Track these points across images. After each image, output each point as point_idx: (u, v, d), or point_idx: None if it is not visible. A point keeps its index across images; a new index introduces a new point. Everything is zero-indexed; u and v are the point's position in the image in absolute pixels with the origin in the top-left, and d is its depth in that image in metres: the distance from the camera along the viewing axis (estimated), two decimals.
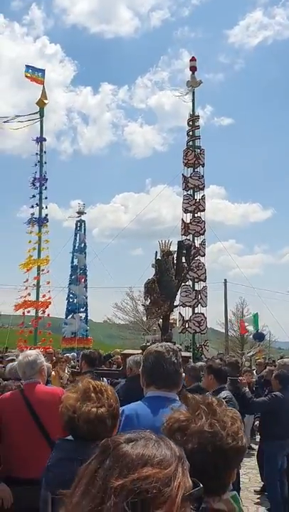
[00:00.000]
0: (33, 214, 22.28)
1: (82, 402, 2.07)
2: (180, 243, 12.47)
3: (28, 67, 23.47)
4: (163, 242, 12.06)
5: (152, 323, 19.64)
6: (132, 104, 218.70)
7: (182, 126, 27.94)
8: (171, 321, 14.73)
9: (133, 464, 0.82)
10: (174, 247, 12.12)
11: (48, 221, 22.15)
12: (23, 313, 21.12)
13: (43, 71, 23.69)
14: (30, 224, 22.06)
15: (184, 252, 12.18)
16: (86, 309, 31.93)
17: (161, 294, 11.69)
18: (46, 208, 22.56)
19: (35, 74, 23.44)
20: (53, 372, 10.93)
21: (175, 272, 11.91)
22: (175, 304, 12.65)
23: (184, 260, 12.14)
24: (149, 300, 12.03)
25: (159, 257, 11.94)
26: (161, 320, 12.27)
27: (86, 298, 31.92)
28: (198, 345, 21.68)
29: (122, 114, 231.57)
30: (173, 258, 11.97)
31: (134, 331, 36.15)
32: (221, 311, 35.12)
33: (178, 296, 15.45)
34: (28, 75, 23.26)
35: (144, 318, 25.34)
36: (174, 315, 21.07)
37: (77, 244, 32.30)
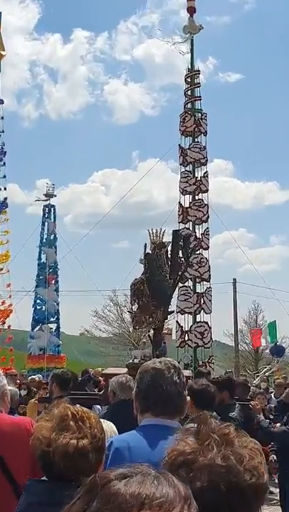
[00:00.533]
0: None
1: (59, 433, 2.08)
2: (175, 233, 12.73)
3: None
4: (154, 231, 12.16)
5: (142, 335, 19.58)
6: (113, 55, 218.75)
7: (178, 84, 28.01)
8: (165, 332, 14.75)
9: (127, 506, 0.82)
10: (168, 238, 12.29)
11: (7, 206, 22.16)
12: None
13: None
14: None
15: (181, 243, 12.39)
16: (58, 319, 31.79)
17: (152, 297, 11.82)
18: (5, 189, 22.58)
19: None
20: (32, 400, 10.92)
21: (170, 270, 11.97)
22: (170, 310, 12.86)
23: (180, 254, 12.30)
24: (137, 306, 12.16)
25: (149, 250, 12.01)
26: (152, 331, 12.30)
27: (57, 304, 31.80)
28: (201, 363, 21.66)
29: (101, 69, 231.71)
30: (167, 252, 12.05)
31: (119, 345, 36.33)
32: (229, 319, 35.30)
33: (174, 301, 15.80)
34: None
35: (132, 329, 25.40)
36: (169, 324, 21.30)
37: (45, 236, 32.04)
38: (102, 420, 2.56)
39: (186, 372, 13.13)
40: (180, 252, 12.28)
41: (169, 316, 13.57)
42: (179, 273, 12.53)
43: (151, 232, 12.20)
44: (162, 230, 12.33)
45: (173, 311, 15.43)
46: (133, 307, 12.49)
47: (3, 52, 23.44)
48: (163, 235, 12.27)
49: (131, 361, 11.76)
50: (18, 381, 15.33)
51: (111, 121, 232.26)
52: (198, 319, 22.67)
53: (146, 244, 12.10)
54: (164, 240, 12.19)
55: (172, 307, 13.81)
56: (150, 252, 12.02)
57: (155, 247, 12.06)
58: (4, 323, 21.37)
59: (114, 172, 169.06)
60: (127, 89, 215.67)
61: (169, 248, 12.07)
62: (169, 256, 12.05)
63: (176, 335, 22.43)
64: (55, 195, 33.54)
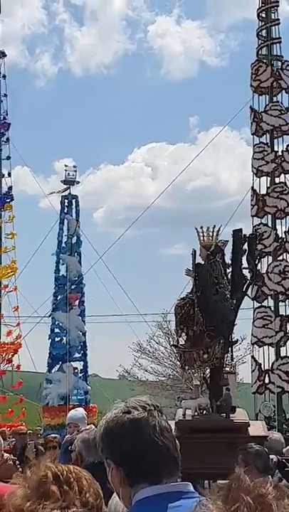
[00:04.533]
0: None
1: (36, 502, 1.84)
2: (236, 234, 10.75)
3: None
4: (204, 230, 10.38)
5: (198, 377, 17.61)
6: None
7: (253, 21, 24.02)
8: (228, 370, 12.89)
9: None
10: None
11: (13, 199, 20.72)
12: None
13: None
14: None
15: (245, 249, 10.54)
16: (85, 355, 29.29)
17: (208, 325, 9.98)
18: (9, 175, 21.60)
19: None
20: None
21: (231, 286, 10.29)
22: (231, 341, 10.70)
23: (244, 264, 10.49)
24: (185, 337, 10.39)
25: (200, 259, 10.38)
26: (208, 372, 10.24)
27: (84, 335, 29.20)
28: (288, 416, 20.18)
29: (144, 2, 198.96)
30: (223, 256, 10.44)
31: (174, 392, 32.23)
32: None
33: (242, 327, 15.01)
34: None
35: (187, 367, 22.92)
36: (228, 360, 18.86)
37: (64, 239, 29.18)
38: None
39: (259, 427, 10.91)
40: (243, 259, 10.42)
41: (230, 348, 11.13)
42: (242, 289, 10.53)
43: (200, 231, 10.36)
44: (216, 228, 10.41)
45: (236, 341, 13.82)
46: (180, 339, 10.68)
47: None
48: (218, 235, 10.45)
49: (181, 417, 9.31)
50: (28, 442, 13.38)
51: (159, 76, 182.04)
52: (282, 353, 20.48)
53: (194, 250, 10.39)
54: (219, 243, 10.40)
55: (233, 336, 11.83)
56: (203, 261, 10.35)
57: (208, 255, 10.34)
58: (11, 362, 19.46)
59: (164, 147, 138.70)
60: (181, 31, 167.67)
61: (228, 254, 10.36)
62: (230, 264, 10.38)
63: (253, 376, 20.16)
64: (78, 182, 30.82)
